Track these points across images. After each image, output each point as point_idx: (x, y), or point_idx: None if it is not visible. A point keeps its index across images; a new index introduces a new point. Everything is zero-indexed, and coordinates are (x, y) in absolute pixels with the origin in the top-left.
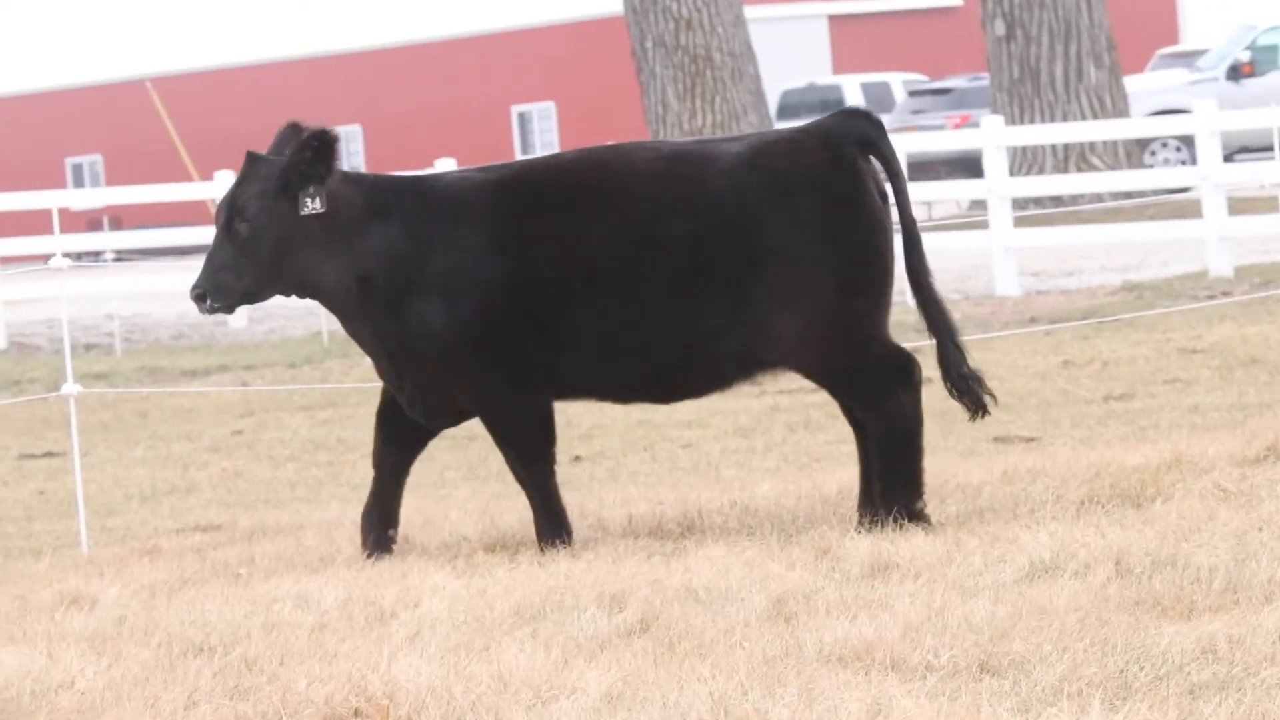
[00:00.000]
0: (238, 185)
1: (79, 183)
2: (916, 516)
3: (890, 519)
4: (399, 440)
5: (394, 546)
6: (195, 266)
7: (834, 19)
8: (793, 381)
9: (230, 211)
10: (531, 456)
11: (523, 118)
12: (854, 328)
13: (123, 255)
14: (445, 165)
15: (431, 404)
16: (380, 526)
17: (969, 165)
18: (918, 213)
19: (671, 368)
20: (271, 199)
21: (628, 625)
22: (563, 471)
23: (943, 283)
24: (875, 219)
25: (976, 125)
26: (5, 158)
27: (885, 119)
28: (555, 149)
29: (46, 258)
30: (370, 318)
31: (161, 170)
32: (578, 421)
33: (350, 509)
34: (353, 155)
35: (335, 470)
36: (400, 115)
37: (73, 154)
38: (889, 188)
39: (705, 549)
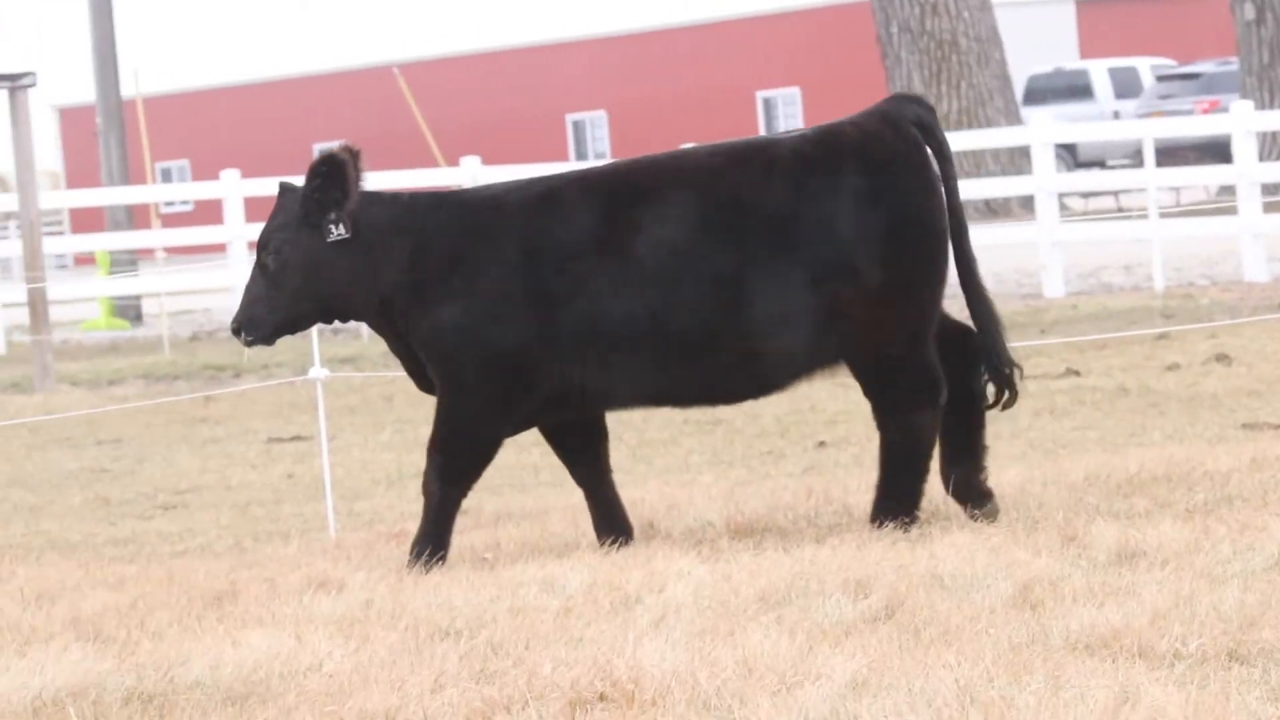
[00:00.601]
0: (269, 219)
1: None
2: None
3: (878, 525)
4: (573, 450)
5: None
6: None
7: (1081, 3)
8: (1037, 367)
9: (259, 246)
10: (450, 476)
11: (767, 103)
12: (915, 319)
13: None
14: None
15: None
16: (613, 536)
17: (1218, 150)
18: (1166, 198)
19: (744, 360)
20: (294, 230)
21: (873, 611)
22: (808, 456)
23: (1190, 268)
24: (942, 202)
25: (1225, 110)
26: (255, 143)
27: (1133, 104)
28: None
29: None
30: (399, 333)
31: (408, 156)
32: (822, 407)
33: None
34: (597, 141)
35: None
36: (645, 101)
37: (320, 140)
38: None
39: (950, 535)
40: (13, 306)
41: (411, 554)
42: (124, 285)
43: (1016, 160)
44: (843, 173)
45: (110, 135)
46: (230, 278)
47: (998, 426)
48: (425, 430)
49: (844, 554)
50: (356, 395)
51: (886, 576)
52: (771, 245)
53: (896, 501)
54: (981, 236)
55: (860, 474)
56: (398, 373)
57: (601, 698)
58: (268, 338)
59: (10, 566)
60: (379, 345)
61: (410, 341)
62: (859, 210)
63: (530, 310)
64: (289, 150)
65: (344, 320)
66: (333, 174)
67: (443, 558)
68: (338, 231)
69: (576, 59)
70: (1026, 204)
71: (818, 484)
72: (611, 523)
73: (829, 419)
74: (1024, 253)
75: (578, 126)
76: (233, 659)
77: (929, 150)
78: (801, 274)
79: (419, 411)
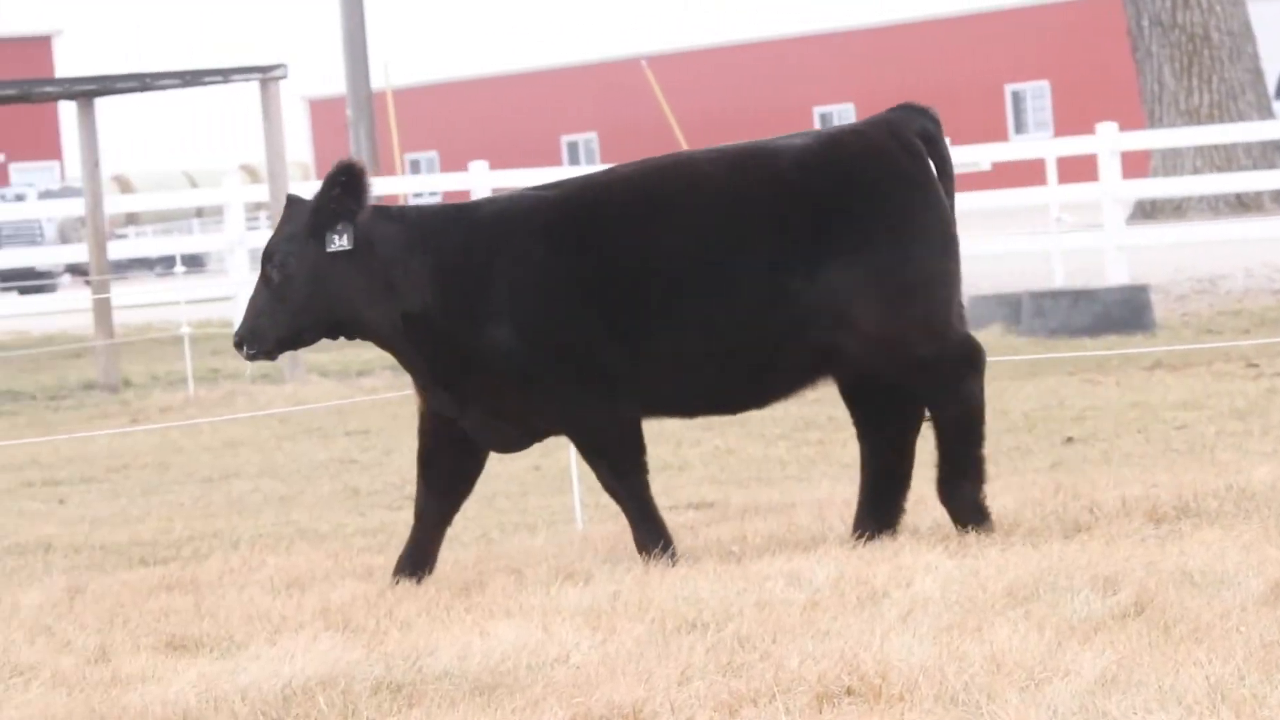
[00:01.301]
0: (275, 230)
1: (574, 160)
2: (977, 509)
3: (951, 510)
4: (442, 490)
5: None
6: None
7: None
8: None
9: (264, 257)
10: (625, 468)
11: (1016, 96)
12: (933, 319)
13: None
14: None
15: (500, 430)
16: (412, 572)
17: None
18: None
19: (750, 371)
20: (300, 242)
21: (1122, 608)
22: (1055, 452)
23: None
24: (946, 206)
25: None
26: (504, 135)
27: None
28: (1050, 130)
29: None
30: (424, 351)
31: (654, 147)
32: (1070, 403)
33: (841, 487)
34: None
35: (826, 449)
36: (892, 93)
37: (568, 132)
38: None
39: (1200, 532)
40: None
41: (642, 555)
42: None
43: (1269, 154)
44: (844, 180)
45: (360, 127)
46: None
47: (1249, 423)
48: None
49: (1092, 550)
50: None
51: (1135, 573)
52: (775, 252)
53: (964, 476)
54: (1232, 231)
55: (1109, 470)
56: None
57: (848, 692)
58: (270, 351)
59: (261, 556)
60: None
61: (444, 361)
62: (860, 219)
63: (564, 314)
64: (537, 142)
65: (349, 337)
66: (351, 183)
67: (668, 543)
68: (340, 242)
69: (824, 52)
70: (1278, 198)
71: (1065, 480)
72: (423, 560)
73: (1077, 415)
74: (1275, 248)
75: (825, 119)
76: (480, 649)
77: (931, 163)
78: (806, 283)
79: None
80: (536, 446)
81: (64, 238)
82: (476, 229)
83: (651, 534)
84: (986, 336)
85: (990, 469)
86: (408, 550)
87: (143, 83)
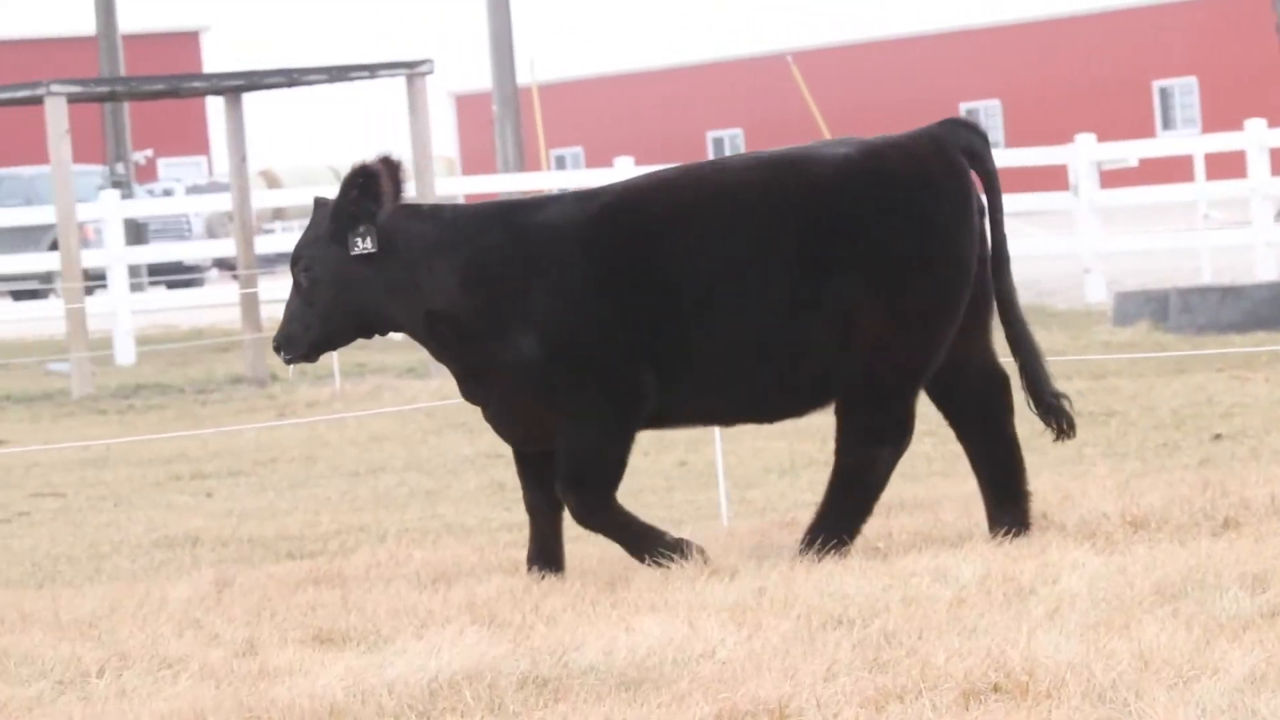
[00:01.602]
0: (303, 234)
1: (720, 155)
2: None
3: (806, 547)
4: (540, 481)
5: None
6: None
7: None
8: None
9: (291, 263)
10: (595, 504)
11: (1164, 93)
12: (921, 352)
13: None
14: (1085, 141)
15: (520, 426)
16: (543, 565)
17: None
18: None
19: (783, 378)
20: (323, 246)
21: (1271, 606)
22: (1203, 449)
23: None
24: (975, 233)
25: None
26: (649, 131)
27: None
28: (1198, 126)
29: None
30: (449, 348)
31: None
32: (1218, 399)
33: None
34: (991, 130)
35: None
36: (1039, 90)
37: (714, 127)
38: (985, 202)
39: None
40: None
41: (646, 562)
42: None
43: None
44: (879, 191)
45: (505, 122)
46: None
47: None
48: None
49: (1241, 548)
50: None
51: None
52: (803, 261)
53: (832, 529)
54: None
55: (1258, 468)
56: None
57: (995, 689)
58: (307, 355)
59: (407, 550)
60: None
61: (470, 357)
62: (891, 231)
63: (596, 324)
64: (682, 137)
65: (383, 334)
66: (368, 185)
67: (672, 545)
68: (364, 245)
69: (970, 48)
70: None
71: (1213, 477)
72: (548, 555)
73: (1225, 412)
74: None
75: (970, 114)
76: (626, 645)
77: (976, 177)
78: (833, 291)
79: None
80: (683, 442)
81: (211, 232)
82: (513, 232)
83: (646, 545)
84: (1134, 334)
85: (1136, 465)
86: (533, 546)
87: (290, 78)
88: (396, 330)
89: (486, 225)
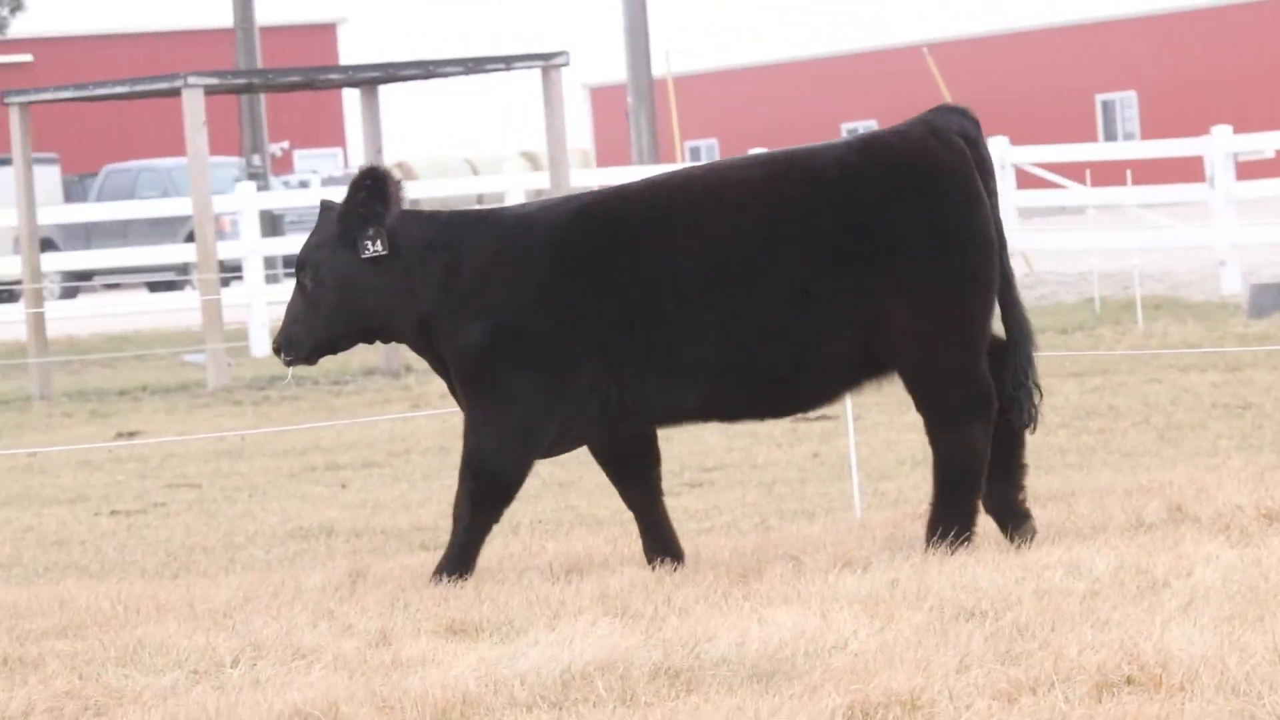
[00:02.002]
0: (309, 238)
1: None
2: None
3: (931, 541)
4: (632, 474)
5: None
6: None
7: None
8: None
9: (296, 266)
10: (490, 504)
11: None
12: (967, 329)
13: None
14: (1221, 132)
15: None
16: (660, 557)
17: None
18: None
19: (786, 374)
20: (330, 249)
21: None
22: None
23: None
24: (988, 213)
25: None
26: (784, 122)
27: None
28: None
29: None
30: (436, 352)
31: None
32: None
33: (1122, 476)
34: (1127, 122)
35: (1106, 438)
36: (1176, 82)
37: (849, 119)
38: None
39: None
40: None
41: (435, 576)
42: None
43: None
44: (887, 181)
45: (641, 114)
46: None
47: None
48: None
49: None
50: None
51: None
52: (815, 256)
53: (952, 518)
54: None
55: None
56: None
57: (1128, 681)
58: (307, 357)
59: (540, 541)
60: None
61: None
62: (904, 219)
63: (565, 328)
64: (816, 129)
65: (384, 340)
66: (376, 187)
67: (464, 577)
68: (374, 248)
69: (1107, 39)
70: None
71: None
72: (662, 545)
73: None
74: None
75: (1106, 106)
76: (758, 636)
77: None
78: (847, 284)
79: None
80: (816, 434)
81: None
82: (494, 233)
83: (458, 565)
84: (1269, 325)
85: (1271, 458)
86: (645, 542)
87: (426, 70)
88: (396, 336)
89: (471, 227)
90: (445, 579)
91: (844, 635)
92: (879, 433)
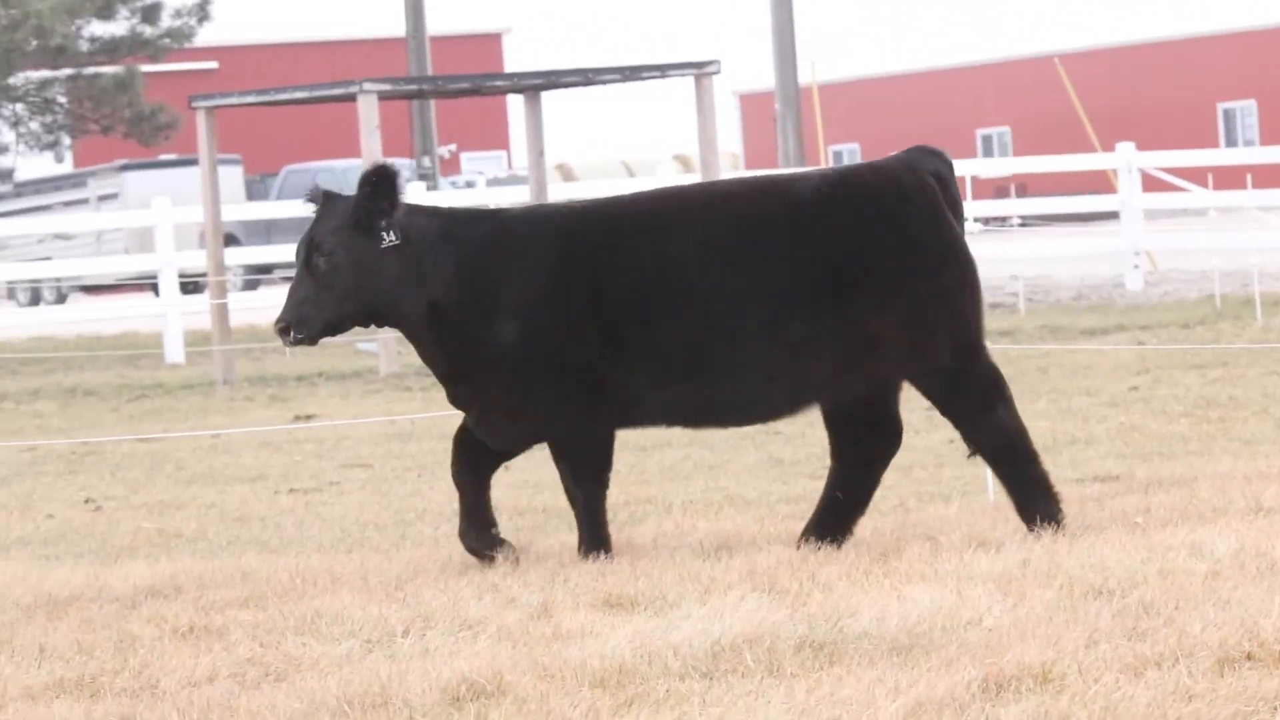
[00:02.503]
0: (315, 223)
1: (988, 152)
2: (1058, 519)
3: (1030, 526)
4: (475, 463)
5: (499, 537)
6: (1100, 231)
7: None
8: None
9: (309, 248)
10: (589, 476)
11: None
12: (961, 332)
13: (1027, 221)
14: None
15: (498, 425)
16: (485, 530)
17: None
18: None
19: (768, 381)
20: (346, 234)
21: None
22: None
23: None
24: (958, 236)
25: None
26: (921, 128)
27: None
28: None
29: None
30: (442, 342)
31: (1065, 141)
32: None
33: (1242, 463)
34: (1247, 129)
35: (1226, 426)
36: None
37: (983, 126)
38: None
39: None
40: None
41: (581, 553)
42: None
43: None
44: (861, 207)
45: (787, 119)
46: None
47: None
48: (1078, 401)
49: None
50: (1013, 366)
51: None
52: (787, 267)
53: (1033, 498)
54: None
55: None
56: (1052, 346)
57: (1248, 657)
58: (314, 337)
59: (692, 520)
60: (1036, 319)
61: (457, 354)
62: (875, 237)
63: (577, 328)
64: (953, 136)
65: (380, 325)
66: (382, 183)
67: (608, 553)
68: (390, 238)
69: (1228, 50)
70: None
71: None
72: (487, 523)
73: None
74: None
75: (1228, 115)
76: (897, 612)
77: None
78: (818, 295)
79: (1072, 383)
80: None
81: None
82: (502, 228)
83: (594, 540)
84: None
85: None
86: (465, 524)
87: (586, 77)
88: (399, 320)
89: (478, 222)
90: (592, 555)
91: (979, 611)
92: None
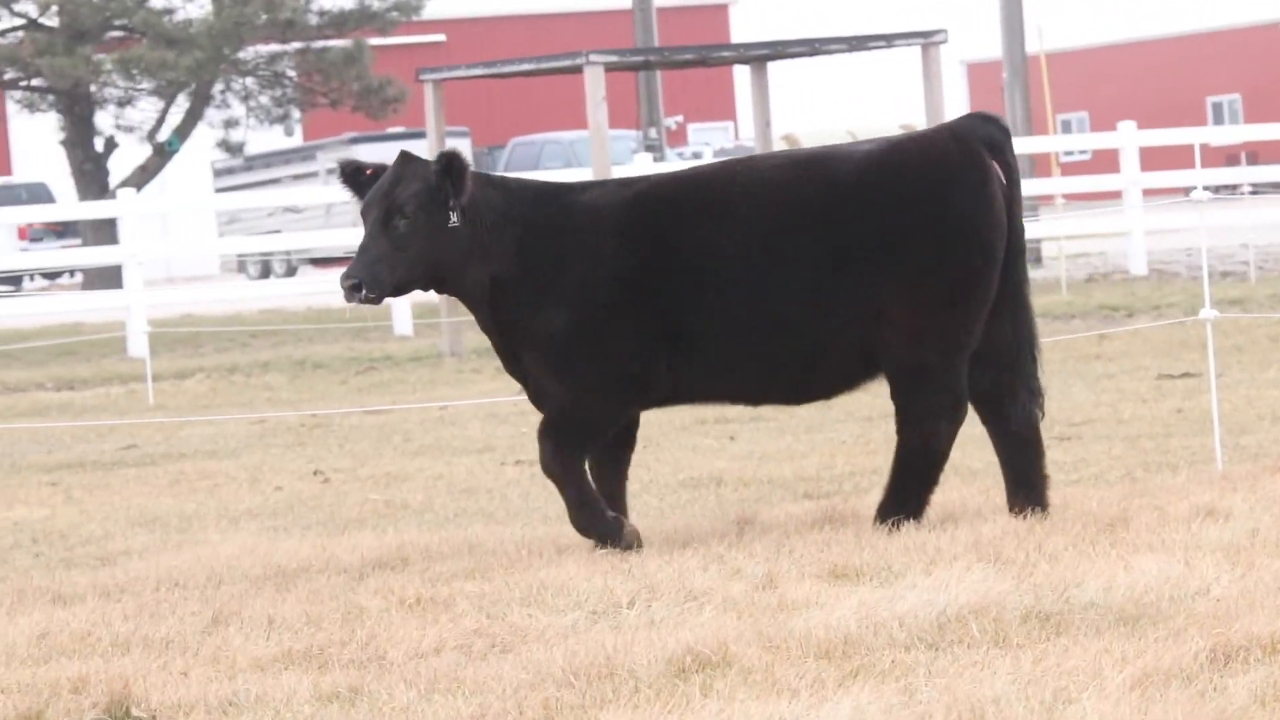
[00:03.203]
0: (394, 185)
1: (1218, 120)
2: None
3: (880, 522)
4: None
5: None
6: None
7: None
8: None
9: (389, 208)
10: (564, 456)
11: None
12: (957, 332)
13: (1259, 189)
14: None
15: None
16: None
17: None
18: None
19: (805, 364)
20: (427, 199)
21: None
22: None
23: None
24: (1001, 222)
25: None
26: (1150, 96)
27: None
28: None
29: (1187, 190)
30: (500, 316)
31: None
32: None
33: None
34: None
35: None
36: None
37: (1213, 93)
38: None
39: None
40: None
41: (581, 533)
42: (1025, 229)
43: None
44: (901, 185)
45: (1015, 89)
46: (1125, 223)
47: None
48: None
49: None
50: (1244, 335)
51: None
52: (832, 253)
53: (901, 505)
54: None
55: None
56: None
57: None
58: (381, 296)
59: None
60: (1267, 287)
61: (512, 329)
62: (914, 222)
63: (632, 310)
64: (1182, 102)
65: (449, 292)
66: (451, 169)
67: (609, 527)
68: (455, 218)
69: None
70: None
71: None
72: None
73: None
74: None
75: None
76: (1124, 582)
77: (997, 169)
78: (859, 282)
79: None
80: (1180, 390)
81: None
82: (565, 211)
83: (584, 514)
84: None
85: None
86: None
87: (812, 48)
88: (461, 291)
89: (537, 199)
90: (594, 535)
91: (1206, 581)
92: (1240, 389)
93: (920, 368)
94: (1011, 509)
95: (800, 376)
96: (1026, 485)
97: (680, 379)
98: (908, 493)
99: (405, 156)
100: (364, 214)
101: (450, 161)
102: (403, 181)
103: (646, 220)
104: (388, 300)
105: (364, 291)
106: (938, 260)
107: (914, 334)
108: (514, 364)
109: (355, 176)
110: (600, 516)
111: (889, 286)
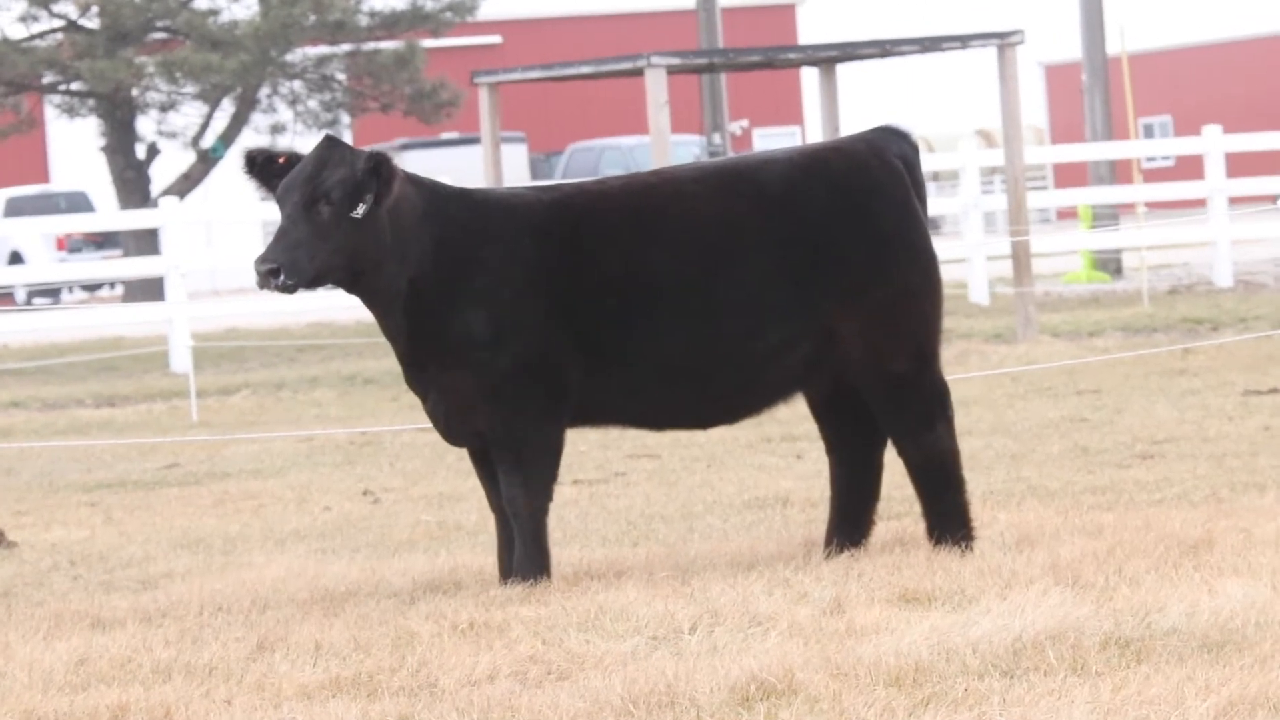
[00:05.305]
0: (319, 169)
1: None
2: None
3: (936, 544)
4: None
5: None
6: None
7: None
8: None
9: (312, 193)
10: (537, 489)
11: None
12: (918, 336)
13: None
14: None
15: (453, 419)
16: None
17: None
18: None
19: (736, 385)
20: (354, 189)
21: None
22: None
23: None
24: (925, 226)
25: None
26: (1236, 100)
27: None
28: None
29: (1275, 198)
30: (411, 322)
31: None
32: None
33: None
34: None
35: None
36: None
37: None
38: None
39: None
40: (997, 259)
41: (518, 576)
42: (1105, 239)
43: None
44: (828, 196)
45: (1095, 92)
46: (1210, 233)
47: None
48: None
49: None
50: None
51: None
52: (761, 267)
53: (943, 520)
54: None
55: None
56: None
57: None
58: (298, 286)
59: (992, 512)
60: None
61: (421, 337)
62: (845, 232)
63: (541, 317)
64: (1268, 106)
65: (358, 290)
66: (379, 172)
67: (547, 572)
68: (359, 211)
69: None
70: None
71: None
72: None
73: None
74: None
75: None
76: (1209, 607)
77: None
78: (792, 295)
79: None
80: (1268, 407)
81: None
82: (476, 211)
83: (535, 559)
84: None
85: None
86: (502, 550)
87: (883, 49)
88: (375, 290)
89: (455, 201)
90: (528, 578)
91: None
92: None
93: (895, 380)
94: (829, 542)
95: (731, 395)
96: (853, 520)
97: (593, 393)
98: (944, 505)
99: (330, 140)
100: (282, 197)
101: (379, 166)
102: (328, 166)
103: (564, 225)
104: None
105: (281, 278)
106: (877, 271)
107: (874, 348)
108: (418, 374)
109: (266, 167)
110: (544, 565)
111: (830, 302)
